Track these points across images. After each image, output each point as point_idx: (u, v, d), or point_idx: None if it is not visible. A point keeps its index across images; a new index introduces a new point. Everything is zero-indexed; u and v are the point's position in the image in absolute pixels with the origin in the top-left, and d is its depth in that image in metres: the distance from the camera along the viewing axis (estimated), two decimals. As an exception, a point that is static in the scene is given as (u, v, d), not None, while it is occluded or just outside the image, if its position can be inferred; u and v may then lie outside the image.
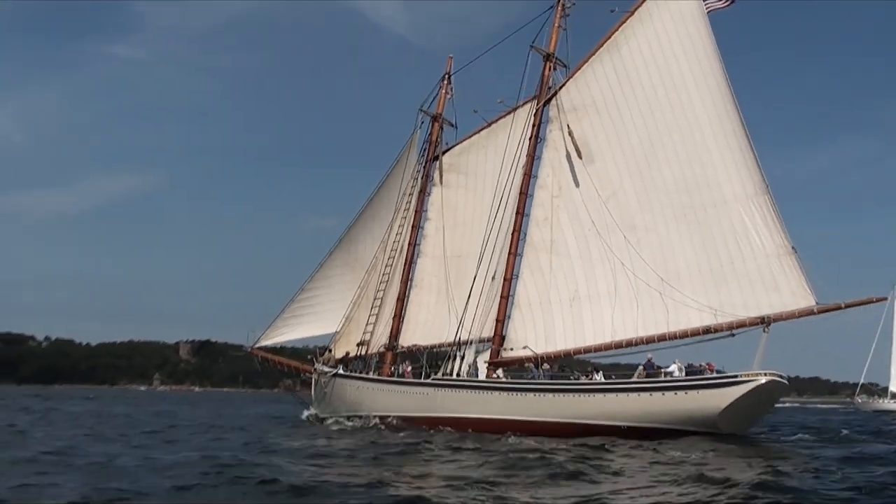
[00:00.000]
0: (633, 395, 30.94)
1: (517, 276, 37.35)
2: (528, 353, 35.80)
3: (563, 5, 39.60)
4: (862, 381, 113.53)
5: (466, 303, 37.24)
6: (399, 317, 42.01)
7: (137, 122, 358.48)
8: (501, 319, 37.02)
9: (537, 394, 33.07)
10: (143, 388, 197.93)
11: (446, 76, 44.51)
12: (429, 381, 36.44)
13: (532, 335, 36.39)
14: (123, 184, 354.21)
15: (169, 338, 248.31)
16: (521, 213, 37.95)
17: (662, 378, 31.09)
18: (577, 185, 37.10)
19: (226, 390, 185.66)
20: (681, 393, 30.02)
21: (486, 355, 35.52)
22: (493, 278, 37.26)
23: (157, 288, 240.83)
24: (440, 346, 38.66)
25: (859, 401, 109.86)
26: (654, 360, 32.54)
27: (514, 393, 33.77)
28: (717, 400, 29.20)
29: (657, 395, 30.44)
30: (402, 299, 42.24)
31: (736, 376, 29.49)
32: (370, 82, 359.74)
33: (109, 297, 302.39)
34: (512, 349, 36.48)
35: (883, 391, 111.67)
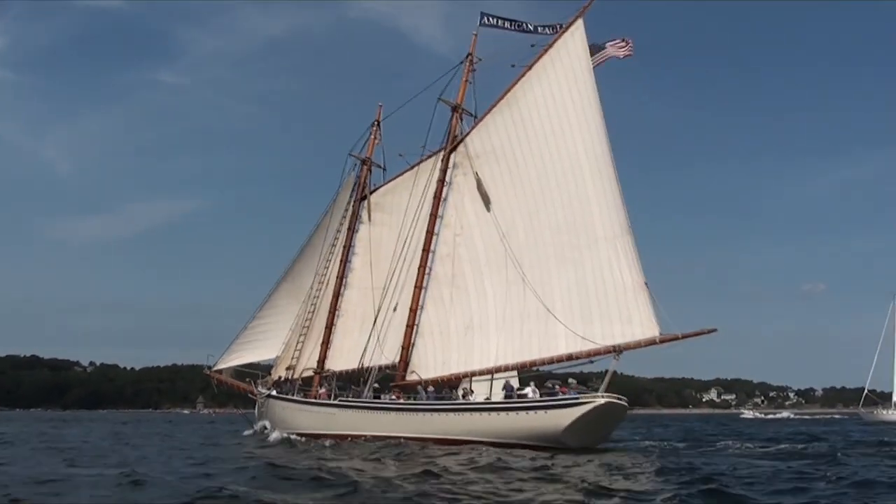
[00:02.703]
0: (494, 414, 34.75)
1: (422, 307, 41.25)
2: (416, 377, 39.74)
3: (472, 61, 43.61)
4: (866, 390, 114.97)
5: (370, 331, 41.31)
6: (326, 343, 46.04)
7: (182, 148, 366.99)
8: (407, 346, 40.79)
9: (418, 413, 36.97)
10: (186, 411, 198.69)
11: (376, 122, 48.81)
12: (334, 402, 40.51)
13: (432, 360, 40.19)
14: (168, 209, 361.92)
15: (212, 361, 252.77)
16: (427, 249, 41.71)
17: (517, 399, 34.88)
18: (476, 224, 40.91)
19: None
20: (532, 413, 33.79)
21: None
22: (395, 309, 41.19)
23: (201, 312, 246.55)
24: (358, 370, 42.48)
25: (863, 411, 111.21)
26: (511, 383, 36.37)
27: (400, 413, 37.70)
28: (561, 419, 32.88)
29: (513, 414, 34.22)
30: (330, 327, 46.29)
31: (577, 398, 33.24)
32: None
33: (153, 322, 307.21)
34: (415, 373, 40.34)
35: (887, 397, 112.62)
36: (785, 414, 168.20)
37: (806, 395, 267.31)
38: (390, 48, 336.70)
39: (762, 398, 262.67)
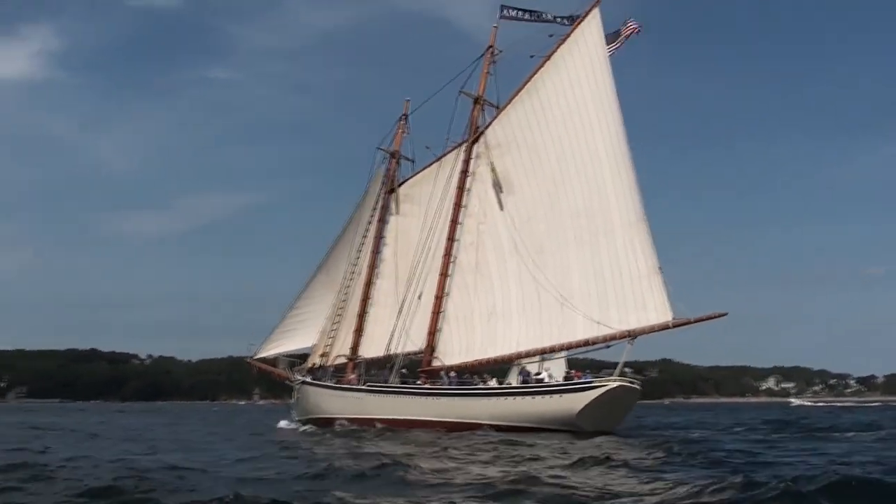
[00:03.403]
0: (511, 398, 35.83)
1: (447, 294, 42.41)
2: (440, 363, 40.95)
3: (492, 53, 44.60)
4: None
5: (397, 318, 42.58)
6: (359, 331, 47.44)
7: (237, 142, 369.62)
8: (433, 332, 41.99)
9: (440, 397, 38.16)
10: (242, 402, 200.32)
11: (403, 117, 50.13)
12: (362, 387, 41.88)
13: (457, 346, 41.36)
14: (223, 203, 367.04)
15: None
16: (452, 238, 42.86)
17: (533, 384, 35.92)
18: (498, 212, 41.92)
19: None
20: (547, 397, 34.79)
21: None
22: (420, 297, 42.40)
23: (257, 304, 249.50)
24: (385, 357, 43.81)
25: None
26: (528, 368, 37.36)
27: (423, 397, 38.91)
28: (574, 403, 33.89)
29: (529, 398, 35.27)
30: (362, 315, 47.69)
31: (591, 382, 34.17)
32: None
33: (210, 315, 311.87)
34: (438, 358, 41.53)
35: None
36: (846, 402, 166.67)
37: (867, 383, 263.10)
38: (440, 39, 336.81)
39: (822, 386, 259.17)
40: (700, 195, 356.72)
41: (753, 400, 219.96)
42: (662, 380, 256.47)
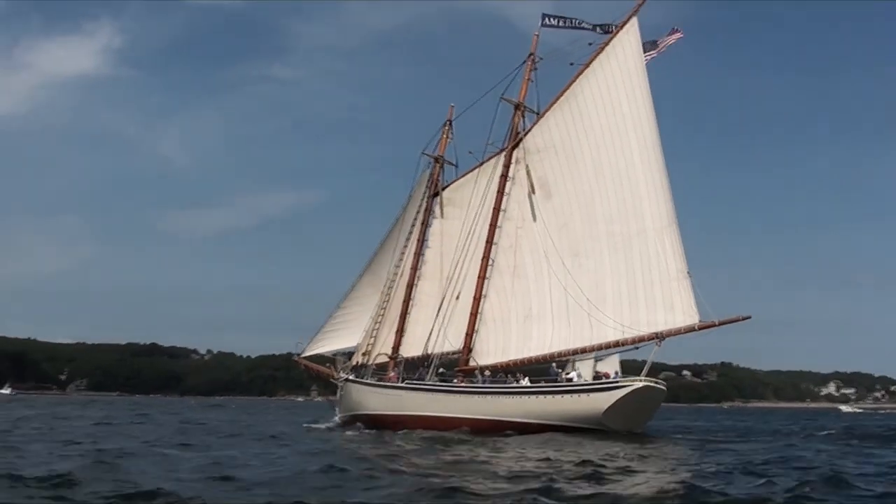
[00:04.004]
0: (541, 397, 36.90)
1: (485, 296, 43.56)
2: (474, 363, 42.13)
3: (533, 60, 45.67)
4: None
5: (434, 319, 43.86)
6: (400, 331, 48.80)
7: (297, 140, 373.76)
8: (470, 333, 43.17)
9: (473, 396, 39.39)
10: (300, 398, 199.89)
11: (447, 122, 51.38)
12: (400, 384, 43.25)
13: (493, 347, 42.52)
14: (282, 200, 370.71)
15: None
16: (491, 241, 43.99)
17: (563, 383, 36.95)
18: (537, 217, 42.99)
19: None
20: (575, 396, 35.80)
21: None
22: (458, 298, 43.65)
23: (315, 301, 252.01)
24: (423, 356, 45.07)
25: None
26: (555, 368, 38.41)
27: (458, 395, 40.15)
28: (601, 402, 34.87)
29: (558, 397, 36.31)
30: (404, 316, 49.02)
31: (617, 382, 35.10)
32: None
33: (269, 311, 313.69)
34: (478, 358, 42.69)
35: None
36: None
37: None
38: (500, 38, 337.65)
39: (883, 392, 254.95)
40: (760, 195, 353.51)
41: (813, 405, 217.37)
42: (721, 384, 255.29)
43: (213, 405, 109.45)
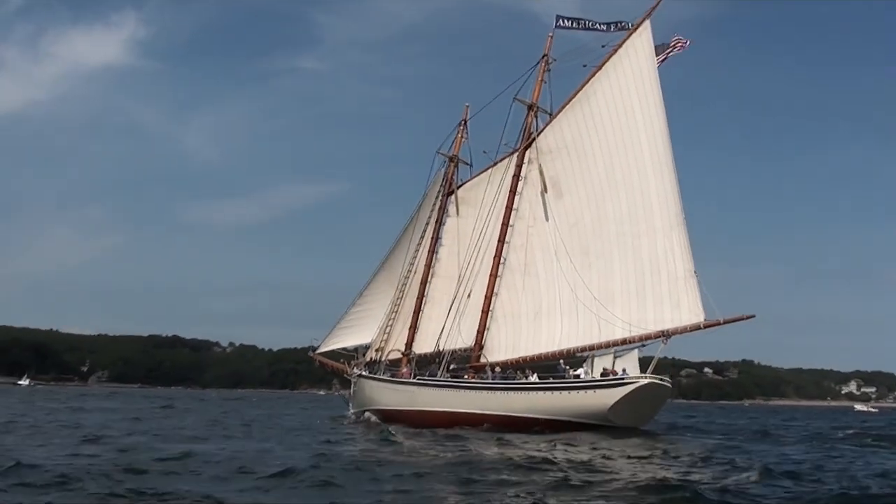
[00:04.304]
0: (549, 393, 37.60)
1: (497, 294, 44.28)
2: (496, 359, 42.81)
3: (547, 61, 46.29)
4: None
5: (447, 316, 44.63)
6: (414, 327, 49.60)
7: (323, 132, 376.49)
8: (482, 330, 43.94)
9: (483, 392, 40.14)
10: (322, 392, 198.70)
11: (463, 122, 52.10)
12: (411, 380, 44.08)
13: (504, 343, 43.26)
14: (307, 193, 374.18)
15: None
16: (503, 240, 44.71)
17: (569, 380, 37.66)
18: (548, 216, 43.66)
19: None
20: (581, 392, 36.48)
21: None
22: (469, 296, 44.40)
23: (339, 294, 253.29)
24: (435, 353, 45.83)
25: None
26: (563, 365, 39.14)
27: (468, 391, 40.89)
28: (607, 398, 35.49)
29: (565, 393, 36.99)
30: (417, 312, 49.82)
31: (623, 379, 35.75)
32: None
33: (292, 304, 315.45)
34: (489, 355, 43.42)
35: None
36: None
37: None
38: (524, 32, 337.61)
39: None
40: (782, 194, 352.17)
41: (834, 404, 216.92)
42: (743, 381, 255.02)
43: (236, 398, 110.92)
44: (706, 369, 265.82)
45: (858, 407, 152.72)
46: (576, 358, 40.29)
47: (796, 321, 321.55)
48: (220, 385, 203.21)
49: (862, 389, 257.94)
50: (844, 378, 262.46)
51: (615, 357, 38.48)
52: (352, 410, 49.69)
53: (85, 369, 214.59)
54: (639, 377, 35.56)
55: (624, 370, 37.00)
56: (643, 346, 38.05)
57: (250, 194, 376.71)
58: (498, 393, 39.41)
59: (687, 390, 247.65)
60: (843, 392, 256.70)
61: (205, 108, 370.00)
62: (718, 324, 36.25)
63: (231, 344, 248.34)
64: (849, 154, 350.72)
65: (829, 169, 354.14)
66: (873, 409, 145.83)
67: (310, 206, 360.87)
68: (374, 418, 46.37)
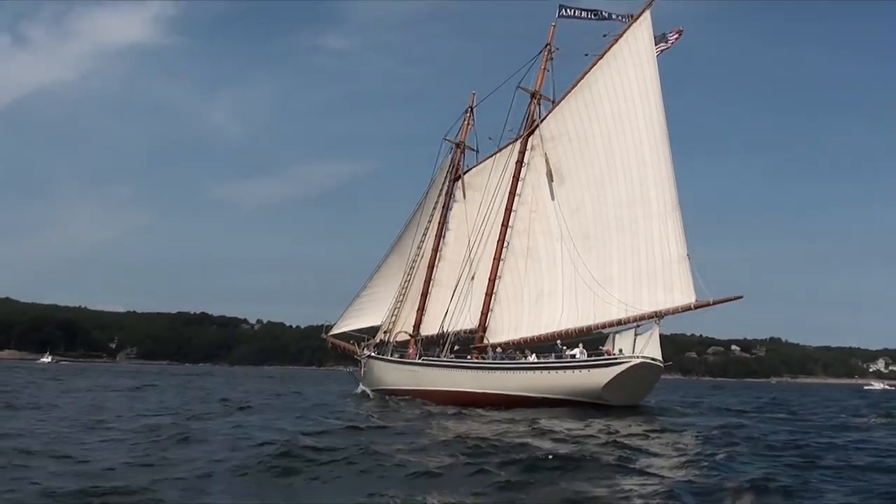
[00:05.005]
0: (545, 372, 39.05)
1: (500, 277, 45.68)
2: (498, 340, 44.30)
3: (550, 50, 47.40)
4: None
5: (451, 299, 46.15)
6: (421, 310, 51.14)
7: (348, 111, 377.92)
8: (486, 312, 45.39)
9: (482, 371, 41.79)
10: (348, 369, 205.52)
11: (469, 109, 53.39)
12: (416, 360, 45.69)
13: (507, 325, 44.71)
14: (335, 171, 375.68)
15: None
16: (506, 225, 46.06)
17: (565, 359, 39.09)
18: (550, 201, 44.94)
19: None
20: (576, 372, 37.90)
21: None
22: (473, 279, 45.86)
23: (366, 273, 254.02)
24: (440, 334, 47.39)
25: None
26: (560, 345, 40.62)
27: (469, 370, 42.49)
28: (600, 377, 36.86)
29: (561, 373, 38.43)
30: (425, 295, 51.34)
31: (616, 359, 37.12)
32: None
33: (320, 281, 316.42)
34: (492, 336, 44.88)
35: None
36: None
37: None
38: (550, 10, 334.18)
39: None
40: (816, 171, 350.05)
41: (861, 381, 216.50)
42: (770, 359, 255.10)
43: (265, 376, 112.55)
44: (734, 347, 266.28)
45: (876, 385, 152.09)
46: (575, 339, 41.28)
47: (825, 300, 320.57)
48: (247, 362, 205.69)
49: (890, 367, 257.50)
50: (872, 356, 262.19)
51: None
52: (360, 389, 51.20)
53: (114, 346, 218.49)
54: (631, 357, 36.84)
55: (620, 350, 38.35)
56: (637, 326, 39.32)
57: (278, 172, 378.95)
58: (497, 373, 40.90)
59: (714, 368, 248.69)
60: (870, 370, 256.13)
61: (232, 85, 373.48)
62: (708, 304, 37.62)
63: (259, 321, 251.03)
64: (882, 132, 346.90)
65: (859, 146, 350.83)
66: (890, 388, 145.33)
67: (338, 184, 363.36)
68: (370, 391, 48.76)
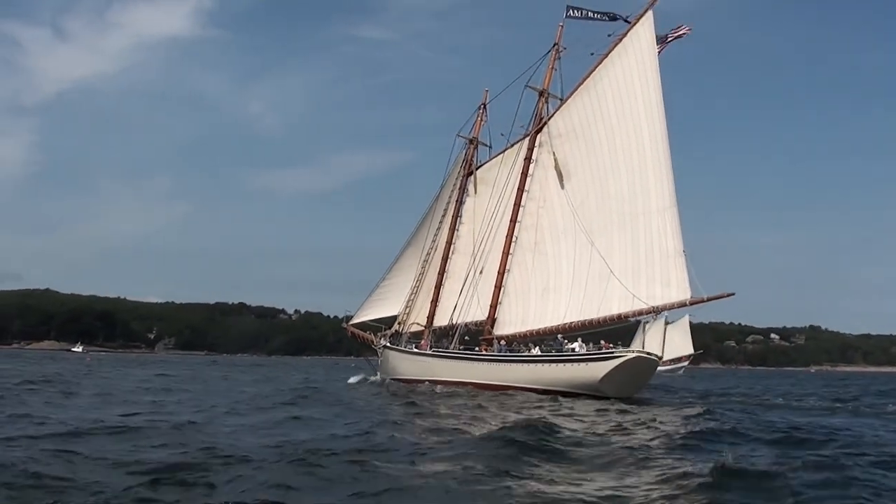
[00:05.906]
0: (545, 365, 40.48)
1: (509, 271, 47.15)
2: (506, 332, 45.81)
3: (557, 50, 48.69)
4: None
5: (460, 292, 47.72)
6: (435, 301, 52.76)
7: (386, 101, 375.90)
8: (494, 305, 46.94)
9: (486, 363, 43.41)
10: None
11: (482, 106, 54.93)
12: (427, 352, 47.38)
13: (514, 318, 46.21)
14: (373, 161, 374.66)
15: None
16: (514, 220, 47.53)
17: (565, 353, 40.49)
18: (556, 196, 46.32)
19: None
20: (574, 365, 39.30)
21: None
22: (481, 272, 47.39)
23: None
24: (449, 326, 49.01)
25: None
26: (561, 339, 42.00)
27: (473, 362, 44.11)
28: (597, 370, 38.20)
29: (560, 366, 39.85)
30: (438, 287, 52.96)
31: (612, 352, 38.46)
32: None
33: (357, 271, 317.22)
34: (500, 329, 46.41)
35: None
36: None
37: None
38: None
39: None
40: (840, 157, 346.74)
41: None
42: (810, 347, 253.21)
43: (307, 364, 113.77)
44: (773, 335, 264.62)
45: None
46: (581, 332, 42.69)
47: (865, 286, 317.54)
48: (284, 352, 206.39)
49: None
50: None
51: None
52: (377, 377, 52.86)
53: (152, 336, 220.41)
54: (626, 351, 38.14)
55: (619, 343, 39.70)
56: (637, 321, 40.54)
57: (316, 162, 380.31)
58: (502, 365, 42.45)
59: (753, 356, 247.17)
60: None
61: (270, 76, 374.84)
62: (703, 301, 38.73)
63: (297, 311, 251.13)
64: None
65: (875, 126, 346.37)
66: None
67: (376, 175, 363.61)
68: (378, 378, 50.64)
